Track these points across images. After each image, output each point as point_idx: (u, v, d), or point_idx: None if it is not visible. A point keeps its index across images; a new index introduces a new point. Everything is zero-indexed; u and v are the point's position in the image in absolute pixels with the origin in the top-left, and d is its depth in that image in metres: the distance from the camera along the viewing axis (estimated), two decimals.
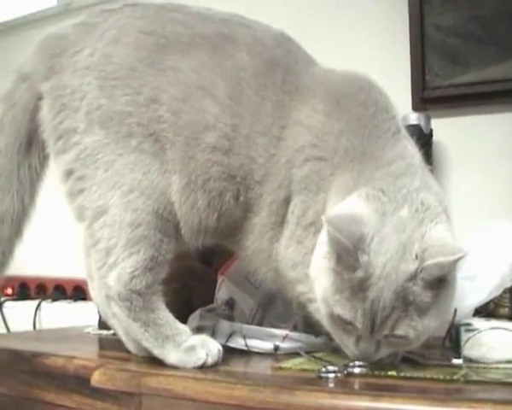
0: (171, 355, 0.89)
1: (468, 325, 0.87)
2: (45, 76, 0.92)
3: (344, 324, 0.82)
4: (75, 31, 0.94)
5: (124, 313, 0.88)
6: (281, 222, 0.89)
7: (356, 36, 1.68)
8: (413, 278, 0.77)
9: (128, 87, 0.89)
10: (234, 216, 0.91)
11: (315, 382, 0.80)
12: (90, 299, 1.08)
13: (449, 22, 1.56)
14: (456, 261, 0.77)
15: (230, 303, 1.19)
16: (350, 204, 0.81)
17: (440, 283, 0.79)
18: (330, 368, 0.82)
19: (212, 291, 1.24)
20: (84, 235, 0.94)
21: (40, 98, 0.94)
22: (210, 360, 0.87)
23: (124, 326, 0.92)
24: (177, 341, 0.89)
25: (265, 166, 0.88)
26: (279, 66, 0.92)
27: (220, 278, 1.22)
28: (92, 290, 1.01)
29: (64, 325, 1.52)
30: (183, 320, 0.98)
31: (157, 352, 0.89)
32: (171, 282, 1.09)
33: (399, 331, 0.79)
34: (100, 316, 1.26)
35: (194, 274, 1.24)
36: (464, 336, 0.87)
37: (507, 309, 0.97)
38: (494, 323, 0.89)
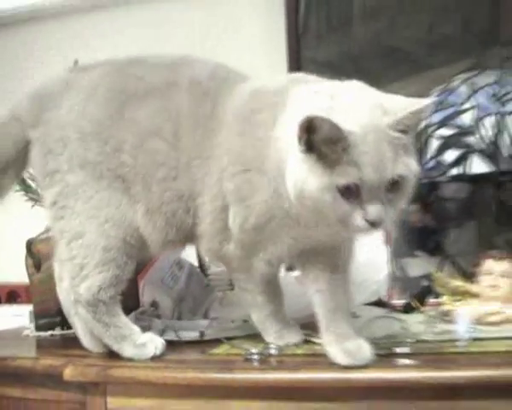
0: (128, 350, 1.09)
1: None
2: (34, 125, 1.13)
3: (347, 196, 0.90)
4: (58, 87, 1.15)
5: (90, 315, 1.08)
6: (225, 227, 1.07)
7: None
8: (392, 127, 0.90)
9: (98, 140, 1.08)
10: (188, 226, 1.09)
11: (244, 363, 1.00)
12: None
13: (323, 56, 1.83)
14: (427, 106, 0.92)
15: (155, 304, 1.39)
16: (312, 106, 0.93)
17: (409, 131, 0.94)
18: (253, 351, 1.02)
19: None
20: (60, 250, 1.14)
21: (29, 142, 1.13)
22: (158, 352, 1.08)
23: (89, 326, 1.11)
24: (132, 339, 1.10)
25: (203, 183, 1.06)
26: (210, 97, 1.09)
27: (141, 283, 1.42)
28: (60, 292, 1.19)
29: None
30: None
31: (116, 347, 1.09)
32: None
33: (398, 170, 0.90)
34: (36, 319, 1.43)
35: None
36: None
37: None
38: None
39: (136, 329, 1.13)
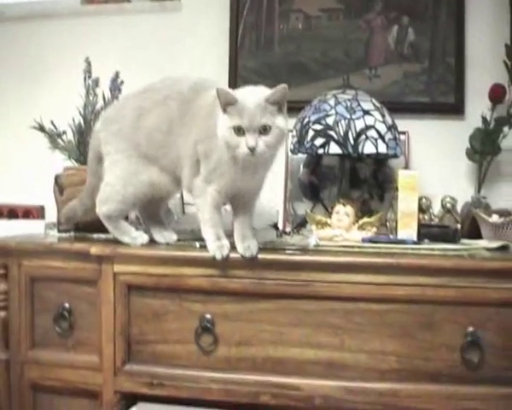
0: (127, 239, 1.66)
1: None
2: (101, 132, 1.70)
3: (237, 133, 1.41)
4: (113, 111, 1.73)
5: (106, 222, 1.67)
6: (196, 170, 1.56)
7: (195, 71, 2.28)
8: (265, 99, 1.41)
9: (129, 139, 1.64)
10: (178, 175, 1.61)
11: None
12: None
13: (252, 65, 2.35)
14: (283, 89, 1.42)
15: (138, 218, 1.87)
16: None
17: (275, 103, 1.43)
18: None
19: None
20: (102, 185, 1.67)
21: (100, 142, 1.69)
22: (144, 242, 1.65)
23: (108, 227, 1.67)
24: (129, 234, 1.67)
25: (184, 149, 1.57)
26: (189, 102, 1.58)
27: None
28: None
29: None
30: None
31: (121, 238, 1.66)
32: None
33: (264, 121, 1.40)
34: (58, 226, 1.92)
35: None
36: None
37: None
38: None
39: (132, 229, 1.69)
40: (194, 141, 1.56)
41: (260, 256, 1.54)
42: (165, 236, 1.72)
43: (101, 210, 1.67)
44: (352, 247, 1.67)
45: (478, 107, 2.20)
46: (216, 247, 1.52)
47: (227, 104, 1.43)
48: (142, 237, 1.68)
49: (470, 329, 1.47)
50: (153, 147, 1.63)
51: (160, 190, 1.67)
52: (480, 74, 2.26)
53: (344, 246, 1.68)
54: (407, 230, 1.74)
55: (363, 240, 1.73)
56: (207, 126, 1.53)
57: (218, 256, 1.51)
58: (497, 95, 2.15)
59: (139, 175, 1.64)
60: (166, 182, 1.65)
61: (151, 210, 1.75)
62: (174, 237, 1.72)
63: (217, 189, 1.53)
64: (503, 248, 1.70)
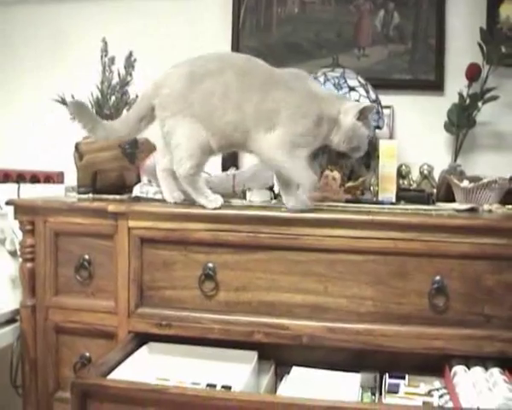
0: (203, 201, 1.70)
1: None
2: (154, 98, 1.72)
3: None
4: (163, 77, 1.73)
5: (185, 183, 1.70)
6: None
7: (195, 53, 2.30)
8: None
9: (181, 101, 1.68)
10: (231, 138, 1.68)
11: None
12: None
13: (253, 45, 2.48)
14: None
15: (150, 181, 2.03)
16: None
17: None
18: None
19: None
20: (171, 149, 1.71)
21: (153, 107, 1.71)
22: (218, 205, 1.70)
23: (185, 190, 1.73)
24: (207, 197, 1.71)
25: (255, 115, 1.65)
26: (246, 73, 1.66)
27: (141, 171, 2.14)
28: (158, 171, 1.80)
29: None
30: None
31: (197, 199, 1.70)
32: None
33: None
34: (78, 188, 2.03)
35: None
36: None
37: None
38: None
39: (209, 191, 1.73)
40: (272, 108, 1.65)
41: (255, 213, 1.70)
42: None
43: (179, 172, 1.71)
44: (336, 206, 1.84)
45: (456, 84, 2.34)
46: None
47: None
48: (217, 201, 1.74)
49: (437, 277, 1.62)
50: (206, 109, 1.68)
51: (208, 151, 1.73)
52: (458, 55, 2.40)
53: (329, 206, 1.84)
54: (386, 193, 1.91)
55: (347, 200, 1.90)
56: (287, 96, 1.66)
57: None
58: (472, 73, 2.29)
59: (198, 131, 1.69)
60: (215, 143, 1.71)
61: None
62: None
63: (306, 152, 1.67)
64: (472, 210, 1.85)
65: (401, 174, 2.13)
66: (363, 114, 1.65)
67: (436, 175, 2.23)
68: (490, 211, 1.85)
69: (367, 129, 1.67)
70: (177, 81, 1.69)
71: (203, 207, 1.72)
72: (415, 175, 2.27)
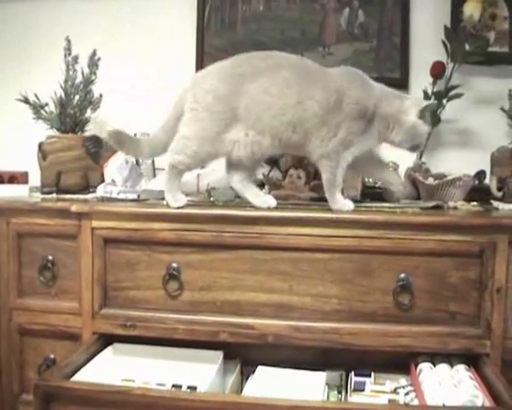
0: (170, 200, 1.70)
1: None
2: (188, 91, 1.70)
3: None
4: (205, 73, 1.73)
5: (166, 171, 1.70)
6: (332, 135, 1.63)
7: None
8: None
9: (224, 102, 1.65)
10: (282, 137, 1.66)
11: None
12: None
13: (217, 43, 2.45)
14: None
15: (113, 181, 1.99)
16: None
17: None
18: None
19: None
20: (177, 136, 1.69)
21: (186, 101, 1.70)
22: (181, 204, 1.71)
23: (165, 177, 1.70)
24: (174, 196, 1.70)
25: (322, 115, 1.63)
26: (302, 71, 1.65)
27: (104, 167, 2.16)
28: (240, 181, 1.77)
29: None
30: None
31: (166, 195, 1.70)
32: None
33: None
34: (42, 188, 2.01)
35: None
36: None
37: None
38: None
39: (180, 192, 1.72)
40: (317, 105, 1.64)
41: (219, 212, 1.69)
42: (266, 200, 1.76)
43: (170, 160, 1.69)
44: (301, 205, 1.82)
45: (421, 81, 2.34)
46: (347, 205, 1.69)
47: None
48: (181, 201, 1.73)
49: (402, 275, 1.63)
50: (256, 109, 1.65)
51: (252, 152, 1.69)
52: (423, 53, 2.41)
53: (294, 204, 1.83)
54: (351, 190, 1.90)
55: (312, 199, 1.89)
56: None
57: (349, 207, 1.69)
58: (437, 71, 2.31)
59: (223, 134, 1.67)
60: (264, 143, 1.68)
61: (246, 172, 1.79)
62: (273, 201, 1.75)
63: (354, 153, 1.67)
64: (437, 207, 1.85)
65: None
66: (423, 112, 1.64)
67: (402, 173, 2.22)
68: (455, 208, 1.87)
69: (427, 126, 1.69)
70: (223, 81, 1.67)
71: (167, 204, 1.71)
72: None
